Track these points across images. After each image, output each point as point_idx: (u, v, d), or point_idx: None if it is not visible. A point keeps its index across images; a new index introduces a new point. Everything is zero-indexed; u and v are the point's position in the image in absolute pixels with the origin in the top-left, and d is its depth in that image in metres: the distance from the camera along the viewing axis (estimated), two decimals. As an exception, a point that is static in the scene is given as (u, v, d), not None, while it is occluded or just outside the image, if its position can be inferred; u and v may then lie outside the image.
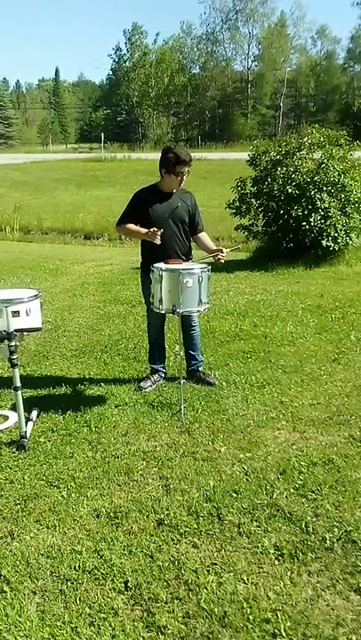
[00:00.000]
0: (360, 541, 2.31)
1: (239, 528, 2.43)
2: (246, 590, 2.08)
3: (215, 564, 2.23)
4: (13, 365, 3.09)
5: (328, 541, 2.32)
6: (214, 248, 3.81)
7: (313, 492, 2.67)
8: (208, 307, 3.52)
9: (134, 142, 59.57)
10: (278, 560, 2.24)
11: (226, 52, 64.94)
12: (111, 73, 71.41)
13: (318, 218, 7.81)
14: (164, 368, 4.13)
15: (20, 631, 1.93)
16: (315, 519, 2.47)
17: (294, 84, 64.50)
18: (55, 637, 1.91)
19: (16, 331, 3.05)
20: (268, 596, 2.05)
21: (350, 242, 8.08)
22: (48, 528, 2.47)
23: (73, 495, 2.71)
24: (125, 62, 68.01)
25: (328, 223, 7.84)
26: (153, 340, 4.10)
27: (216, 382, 3.99)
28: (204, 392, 3.85)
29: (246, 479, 2.80)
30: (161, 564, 2.23)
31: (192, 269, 3.36)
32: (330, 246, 7.89)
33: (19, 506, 2.64)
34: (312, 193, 7.86)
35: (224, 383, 4.00)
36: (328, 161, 8.11)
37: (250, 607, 1.99)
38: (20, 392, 3.14)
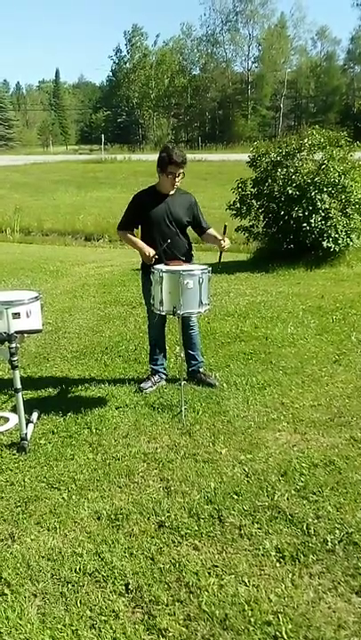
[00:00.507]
0: (361, 543, 2.31)
1: (240, 530, 2.42)
2: (247, 593, 2.07)
3: (216, 566, 2.22)
4: (14, 367, 3.08)
5: (329, 543, 2.31)
6: (219, 238, 3.77)
7: (314, 493, 2.67)
8: (209, 308, 3.52)
9: (134, 144, 59.66)
10: (280, 562, 2.23)
11: (226, 54, 65.08)
12: (111, 74, 71.47)
13: (319, 219, 7.80)
14: (164, 369, 4.13)
15: (21, 634, 1.93)
16: (316, 521, 2.46)
17: (294, 85, 64.50)
18: (56, 640, 1.90)
19: (16, 332, 3.05)
20: (269, 598, 2.04)
21: (351, 243, 8.07)
22: (49, 530, 2.47)
23: (74, 497, 2.70)
24: (126, 64, 68.08)
25: (329, 224, 7.83)
26: (153, 341, 4.10)
27: (217, 383, 3.99)
28: (204, 393, 3.85)
29: (247, 481, 2.79)
30: (162, 566, 2.22)
31: (192, 271, 3.35)
32: (330, 247, 7.89)
33: (19, 508, 2.63)
34: (313, 194, 7.86)
35: (225, 384, 4.00)
36: (328, 162, 8.11)
37: (251, 610, 1.99)
38: (20, 394, 3.14)
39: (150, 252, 3.63)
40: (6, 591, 2.11)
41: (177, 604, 2.03)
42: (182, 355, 3.87)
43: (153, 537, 2.40)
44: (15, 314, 3.02)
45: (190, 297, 3.34)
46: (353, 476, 2.80)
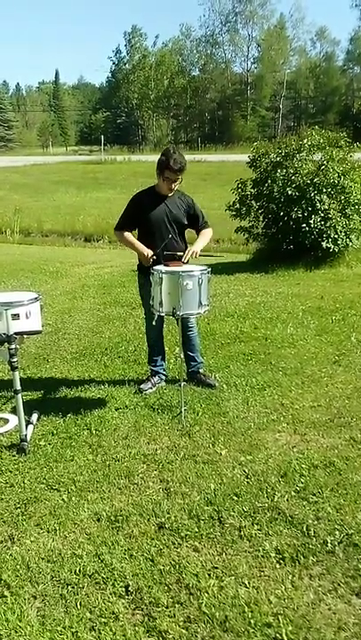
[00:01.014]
0: (362, 544, 2.31)
1: (240, 531, 2.42)
2: (247, 594, 2.07)
3: (216, 567, 2.22)
4: (13, 368, 3.08)
5: (329, 544, 2.31)
6: (189, 248, 3.70)
7: (314, 494, 2.66)
8: (208, 309, 3.52)
9: (134, 144, 59.65)
10: (280, 564, 2.23)
11: (225, 55, 65.11)
12: (111, 75, 71.50)
13: (318, 219, 7.81)
14: (164, 370, 4.13)
15: (21, 636, 1.92)
16: (316, 522, 2.46)
17: (294, 85, 64.51)
18: (56, 642, 1.90)
19: (16, 334, 3.05)
20: (269, 599, 2.04)
21: (350, 243, 8.08)
22: (48, 532, 2.46)
23: (73, 499, 2.70)
24: (125, 65, 68.14)
25: (328, 225, 7.84)
26: (152, 342, 4.10)
27: (216, 384, 3.98)
28: (204, 394, 3.85)
29: (247, 482, 2.79)
30: (162, 567, 2.22)
31: (192, 272, 3.35)
32: (330, 248, 7.90)
33: (19, 509, 2.63)
34: (312, 195, 7.87)
35: (225, 385, 3.99)
36: (328, 162, 8.12)
37: (251, 611, 1.98)
38: (20, 395, 3.14)
39: (149, 252, 3.62)
40: (6, 593, 2.11)
41: (177, 605, 2.03)
42: (182, 356, 3.87)
43: (153, 538, 2.39)
44: (15, 315, 3.02)
45: (190, 298, 3.33)
46: (353, 477, 2.80)
